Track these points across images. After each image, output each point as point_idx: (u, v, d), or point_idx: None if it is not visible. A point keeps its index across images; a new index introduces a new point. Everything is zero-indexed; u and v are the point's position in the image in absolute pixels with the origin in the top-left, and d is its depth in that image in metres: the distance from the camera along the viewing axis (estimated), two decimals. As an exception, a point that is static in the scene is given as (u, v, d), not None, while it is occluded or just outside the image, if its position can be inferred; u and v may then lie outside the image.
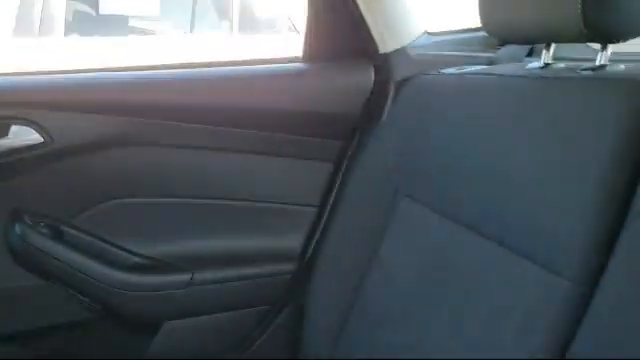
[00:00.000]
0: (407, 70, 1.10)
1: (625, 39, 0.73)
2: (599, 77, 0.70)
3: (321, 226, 1.18)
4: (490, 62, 1.11)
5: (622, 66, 0.74)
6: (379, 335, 0.91)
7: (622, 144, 0.59)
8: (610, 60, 0.76)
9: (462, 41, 1.18)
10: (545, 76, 0.77)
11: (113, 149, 1.10)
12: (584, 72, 0.75)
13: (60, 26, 2.82)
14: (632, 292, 0.55)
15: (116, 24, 3.03)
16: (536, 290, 0.64)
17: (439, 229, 0.85)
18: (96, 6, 3.04)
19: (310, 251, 1.18)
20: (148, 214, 1.14)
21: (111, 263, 1.10)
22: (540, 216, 0.66)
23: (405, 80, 1.08)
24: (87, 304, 1.11)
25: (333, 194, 1.17)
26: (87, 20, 3.01)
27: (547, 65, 0.85)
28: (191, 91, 1.12)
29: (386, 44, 1.12)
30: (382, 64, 1.13)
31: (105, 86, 1.10)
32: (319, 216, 1.18)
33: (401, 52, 1.12)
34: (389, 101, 1.11)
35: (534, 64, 0.87)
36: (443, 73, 1.02)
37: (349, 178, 1.14)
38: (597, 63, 0.75)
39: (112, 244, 1.13)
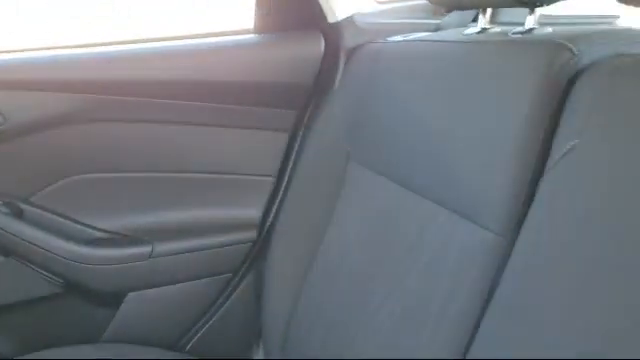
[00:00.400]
0: (356, 39, 1.12)
1: (549, 3, 0.76)
2: (524, 40, 0.73)
3: (279, 195, 1.20)
4: (437, 28, 1.14)
5: (549, 29, 0.77)
6: (332, 294, 0.94)
7: (540, 101, 0.62)
8: (540, 23, 0.80)
9: (410, 8, 1.20)
10: (478, 41, 0.80)
11: (68, 126, 1.10)
12: (514, 35, 0.78)
13: None
14: (548, 239, 0.58)
15: None
16: (466, 243, 0.68)
17: (385, 191, 0.89)
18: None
19: (270, 219, 1.21)
20: (107, 189, 1.16)
21: (73, 238, 1.12)
22: (470, 173, 0.70)
23: (354, 49, 1.10)
24: (51, 279, 1.13)
25: (290, 163, 1.20)
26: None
27: (484, 30, 0.88)
28: (144, 66, 1.12)
29: (334, 14, 1.13)
30: (331, 33, 1.14)
31: (56, 64, 1.10)
32: (277, 185, 1.21)
33: (349, 21, 1.14)
34: (340, 69, 1.13)
35: (472, 29, 0.90)
36: (390, 41, 1.05)
37: (304, 146, 1.17)
38: (526, 27, 0.78)
39: (73, 220, 1.15)
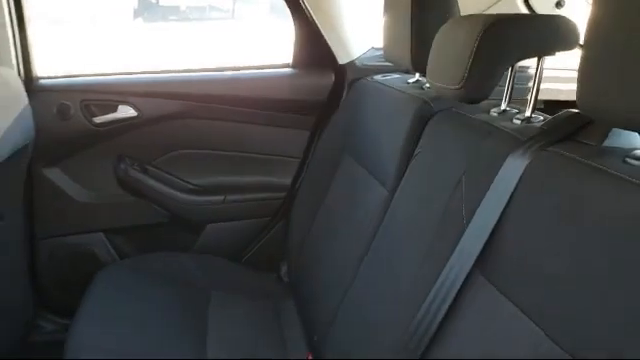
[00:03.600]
0: (355, 75, 1.77)
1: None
2: (416, 94, 1.36)
3: (303, 170, 1.90)
4: (407, 70, 1.78)
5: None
6: (323, 233, 1.61)
7: (411, 129, 1.26)
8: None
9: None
10: (399, 89, 1.44)
11: (175, 120, 1.81)
12: (425, 88, 1.42)
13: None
14: (407, 194, 1.24)
15: (172, 11, 3.79)
16: (379, 199, 1.33)
17: (353, 169, 1.55)
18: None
19: (296, 185, 1.90)
20: (199, 159, 1.87)
21: (176, 188, 1.85)
22: (385, 160, 1.35)
23: (353, 82, 1.76)
24: (161, 212, 1.87)
25: (311, 150, 1.89)
26: (149, 8, 3.77)
27: (418, 81, 1.52)
28: (224, 86, 1.83)
29: (342, 58, 1.81)
30: (339, 71, 1.82)
31: (172, 82, 1.82)
32: (301, 164, 1.90)
33: (352, 63, 1.81)
34: (343, 95, 1.80)
35: (412, 79, 1.54)
36: (373, 79, 1.70)
37: (319, 140, 1.85)
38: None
39: (176, 177, 1.87)
